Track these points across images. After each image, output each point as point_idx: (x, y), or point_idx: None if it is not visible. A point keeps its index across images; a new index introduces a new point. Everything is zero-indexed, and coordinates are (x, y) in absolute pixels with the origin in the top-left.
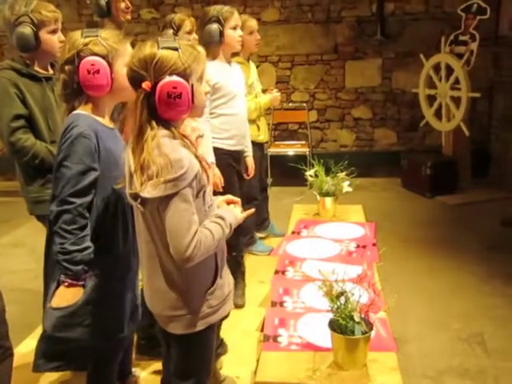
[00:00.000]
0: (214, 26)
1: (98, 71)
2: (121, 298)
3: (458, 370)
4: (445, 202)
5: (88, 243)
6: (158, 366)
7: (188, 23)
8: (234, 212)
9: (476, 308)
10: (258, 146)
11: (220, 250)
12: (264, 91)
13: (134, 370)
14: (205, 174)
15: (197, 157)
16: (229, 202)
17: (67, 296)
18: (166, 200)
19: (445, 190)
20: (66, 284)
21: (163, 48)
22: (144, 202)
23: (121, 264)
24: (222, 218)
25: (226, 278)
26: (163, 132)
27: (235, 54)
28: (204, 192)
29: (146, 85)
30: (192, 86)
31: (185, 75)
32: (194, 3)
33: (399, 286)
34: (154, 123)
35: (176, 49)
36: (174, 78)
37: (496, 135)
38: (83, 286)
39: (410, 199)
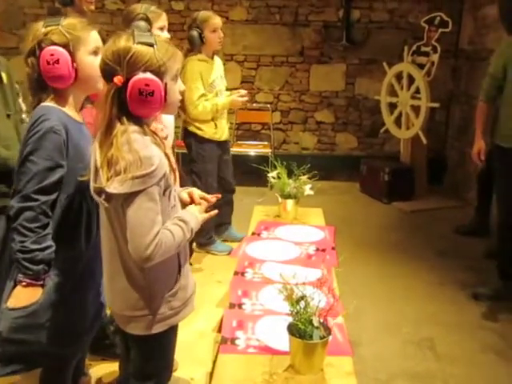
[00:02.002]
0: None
1: (57, 61)
2: (83, 299)
3: (409, 374)
4: (401, 208)
5: (50, 242)
6: (110, 366)
7: (164, 17)
8: (196, 215)
9: (427, 313)
10: (216, 145)
11: (182, 251)
12: (229, 90)
13: (86, 370)
14: (172, 174)
15: (166, 155)
16: (191, 197)
17: (25, 296)
18: (131, 197)
19: (401, 197)
20: (24, 284)
21: (139, 43)
22: (109, 197)
23: (83, 264)
24: (184, 221)
25: (189, 279)
26: (134, 128)
27: (197, 52)
28: (170, 192)
29: (117, 79)
30: (166, 84)
31: (159, 73)
32: None
33: (354, 291)
34: (124, 118)
35: (152, 45)
36: (148, 75)
37: (452, 145)
38: (42, 286)
39: (368, 204)
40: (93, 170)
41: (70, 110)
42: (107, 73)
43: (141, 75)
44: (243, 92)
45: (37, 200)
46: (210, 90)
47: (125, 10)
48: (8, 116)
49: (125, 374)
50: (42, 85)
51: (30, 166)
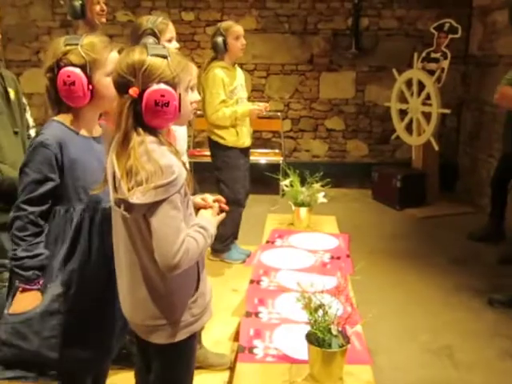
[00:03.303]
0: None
1: (73, 83)
2: (85, 315)
3: (427, 382)
4: (413, 214)
5: (40, 250)
6: (128, 375)
7: (171, 28)
8: (210, 219)
9: (443, 321)
10: (240, 151)
11: (201, 257)
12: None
13: None
14: (187, 183)
15: (184, 164)
16: (204, 203)
17: (25, 302)
18: (155, 206)
19: (414, 203)
20: (21, 289)
21: (152, 55)
22: (130, 208)
23: (86, 277)
24: (204, 228)
25: (207, 285)
26: (150, 138)
27: (221, 59)
28: (188, 200)
29: (133, 91)
30: (179, 95)
31: (173, 84)
32: (172, 8)
33: (368, 298)
34: (140, 129)
35: (165, 57)
36: (162, 86)
37: (464, 150)
38: (40, 291)
39: (380, 211)
40: (111, 181)
41: (81, 126)
42: (122, 85)
43: (156, 86)
44: (263, 105)
45: (25, 210)
46: (231, 97)
47: (131, 26)
48: (16, 133)
49: None
50: (59, 100)
51: (23, 177)
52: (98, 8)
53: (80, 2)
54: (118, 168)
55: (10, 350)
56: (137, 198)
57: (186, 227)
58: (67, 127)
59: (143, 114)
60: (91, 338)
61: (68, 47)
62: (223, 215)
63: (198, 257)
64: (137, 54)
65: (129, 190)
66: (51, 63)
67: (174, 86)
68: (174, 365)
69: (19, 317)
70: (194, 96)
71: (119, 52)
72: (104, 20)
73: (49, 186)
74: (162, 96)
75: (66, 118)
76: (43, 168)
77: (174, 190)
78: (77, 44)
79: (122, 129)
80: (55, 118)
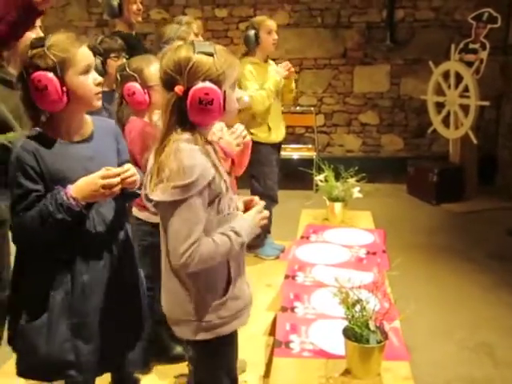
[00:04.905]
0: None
1: (45, 87)
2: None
3: (466, 379)
4: (450, 209)
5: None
6: (163, 369)
7: (195, 26)
8: (249, 223)
9: (482, 317)
10: (271, 147)
11: (235, 260)
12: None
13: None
14: (224, 182)
15: (215, 165)
16: (248, 203)
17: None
18: (171, 205)
19: (451, 198)
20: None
21: (199, 53)
22: (156, 204)
23: (81, 283)
24: (236, 232)
25: (243, 291)
26: (185, 136)
27: (252, 54)
28: (219, 200)
29: (178, 89)
30: (224, 92)
31: (218, 81)
32: (205, 5)
33: (405, 294)
34: (179, 127)
35: (211, 54)
36: (207, 84)
37: (503, 144)
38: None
39: (416, 206)
40: (147, 176)
41: (60, 131)
42: (168, 82)
43: (201, 84)
44: (285, 65)
45: (20, 216)
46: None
47: (156, 33)
48: None
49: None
50: (36, 108)
51: (11, 192)
52: (134, 7)
53: (117, 1)
54: (153, 163)
55: (28, 360)
56: (156, 195)
57: (218, 228)
58: (43, 135)
59: (188, 111)
60: (96, 341)
61: (34, 51)
62: (267, 213)
63: (220, 258)
64: (183, 51)
65: (155, 185)
66: (19, 71)
67: (219, 83)
68: (201, 363)
69: (32, 326)
70: (237, 93)
71: (88, 47)
72: (140, 19)
73: (32, 197)
74: (207, 94)
75: (43, 126)
76: (24, 182)
77: (191, 192)
78: (42, 46)
79: (165, 125)
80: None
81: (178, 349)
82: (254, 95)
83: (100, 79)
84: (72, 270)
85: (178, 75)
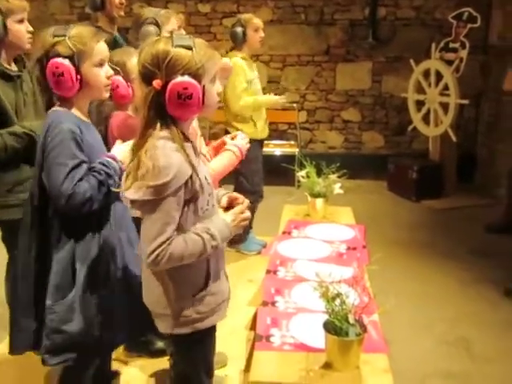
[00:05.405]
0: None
1: (62, 74)
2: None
3: (444, 373)
4: (430, 206)
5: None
6: (146, 362)
7: (174, 20)
8: (227, 223)
9: (461, 312)
10: (258, 143)
11: (214, 256)
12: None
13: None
14: (201, 179)
15: (192, 164)
16: (233, 200)
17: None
18: (144, 204)
19: (430, 195)
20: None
21: (177, 46)
22: (131, 201)
23: (108, 258)
24: (210, 234)
25: (221, 286)
26: (163, 133)
27: (239, 49)
28: (197, 198)
29: (156, 83)
30: (204, 86)
31: (197, 75)
32: (188, 0)
33: (385, 289)
34: (158, 123)
35: (190, 47)
36: (186, 78)
37: (482, 142)
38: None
39: (396, 203)
40: (125, 173)
41: (76, 112)
42: (146, 76)
43: (179, 79)
44: (285, 98)
45: (74, 191)
46: (249, 88)
47: (133, 16)
48: None
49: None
50: (49, 90)
51: (60, 168)
52: (117, 1)
53: None
54: (131, 159)
55: (58, 337)
56: (129, 192)
57: (193, 225)
58: (73, 114)
59: (166, 106)
60: (118, 317)
61: (56, 38)
62: (248, 215)
63: (191, 258)
64: (161, 45)
65: (132, 183)
66: (39, 55)
67: (198, 77)
68: (180, 356)
69: (62, 305)
70: (217, 87)
71: (105, 42)
72: (122, 13)
73: (85, 167)
74: (186, 88)
75: (63, 106)
76: (78, 153)
77: (164, 193)
78: (64, 35)
79: (143, 120)
80: (57, 107)
81: (160, 344)
82: (240, 98)
83: (111, 72)
84: (101, 236)
85: (156, 69)
